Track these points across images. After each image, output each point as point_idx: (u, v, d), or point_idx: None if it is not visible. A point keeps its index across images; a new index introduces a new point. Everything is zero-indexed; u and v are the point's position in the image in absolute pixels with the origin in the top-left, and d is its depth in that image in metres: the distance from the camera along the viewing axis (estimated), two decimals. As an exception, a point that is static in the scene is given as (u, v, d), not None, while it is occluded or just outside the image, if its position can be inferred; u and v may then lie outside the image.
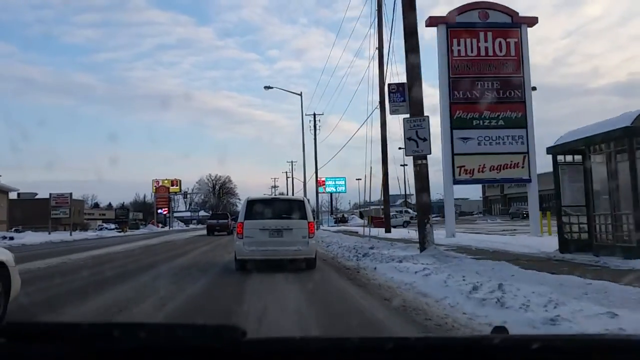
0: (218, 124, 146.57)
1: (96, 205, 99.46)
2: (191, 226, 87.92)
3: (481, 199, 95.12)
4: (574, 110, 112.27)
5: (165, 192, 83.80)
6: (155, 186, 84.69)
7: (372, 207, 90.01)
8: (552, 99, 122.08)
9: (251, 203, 11.34)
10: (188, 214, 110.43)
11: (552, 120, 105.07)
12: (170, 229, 71.48)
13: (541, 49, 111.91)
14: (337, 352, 1.07)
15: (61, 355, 1.05)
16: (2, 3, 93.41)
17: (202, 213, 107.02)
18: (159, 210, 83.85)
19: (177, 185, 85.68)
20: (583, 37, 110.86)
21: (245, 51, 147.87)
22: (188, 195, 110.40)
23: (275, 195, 77.86)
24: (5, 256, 5.86)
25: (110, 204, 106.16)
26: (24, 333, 1.11)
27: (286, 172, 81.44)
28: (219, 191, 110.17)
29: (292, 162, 78.32)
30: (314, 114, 45.27)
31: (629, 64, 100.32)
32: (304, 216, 11.03)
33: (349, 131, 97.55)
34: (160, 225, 76.62)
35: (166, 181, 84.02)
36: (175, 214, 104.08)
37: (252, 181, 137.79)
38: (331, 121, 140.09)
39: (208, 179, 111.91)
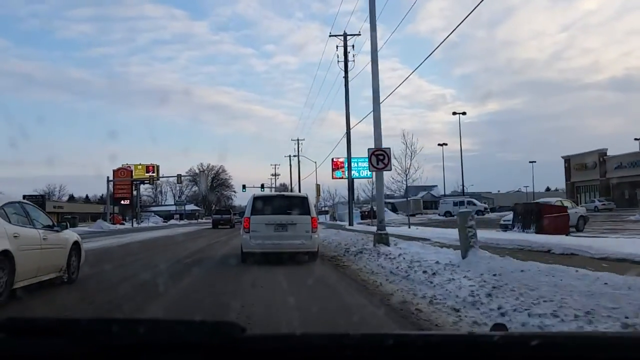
0: (216, 120, 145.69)
1: (71, 199, 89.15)
2: (172, 222, 68.14)
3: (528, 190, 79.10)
4: (572, 105, 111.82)
5: (127, 177, 62.29)
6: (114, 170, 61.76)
7: (411, 199, 76.24)
8: (550, 94, 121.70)
9: (257, 199, 11.89)
10: (174, 207, 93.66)
11: (549, 115, 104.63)
12: (138, 225, 54.67)
13: (537, 43, 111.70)
14: (337, 348, 1.07)
15: (60, 350, 1.05)
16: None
17: (191, 207, 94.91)
18: (122, 202, 64.10)
19: (153, 172, 64.24)
20: (580, 32, 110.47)
21: (242, 46, 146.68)
22: (177, 186, 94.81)
23: (277, 187, 75.22)
24: (77, 237, 9.27)
25: (86, 196, 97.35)
26: (23, 328, 1.11)
27: (290, 156, 68.13)
28: (212, 182, 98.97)
29: (298, 140, 63.67)
30: (344, 35, 26.12)
31: (625, 59, 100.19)
32: (307, 212, 11.46)
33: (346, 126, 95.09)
34: (122, 220, 59.17)
35: (140, 166, 64.05)
36: (158, 208, 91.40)
37: (250, 175, 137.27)
38: (331, 117, 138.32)
39: (200, 169, 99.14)
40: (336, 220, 44.82)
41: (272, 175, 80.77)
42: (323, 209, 63.36)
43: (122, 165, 62.74)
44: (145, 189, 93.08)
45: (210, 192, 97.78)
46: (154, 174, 64.96)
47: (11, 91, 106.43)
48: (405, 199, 68.35)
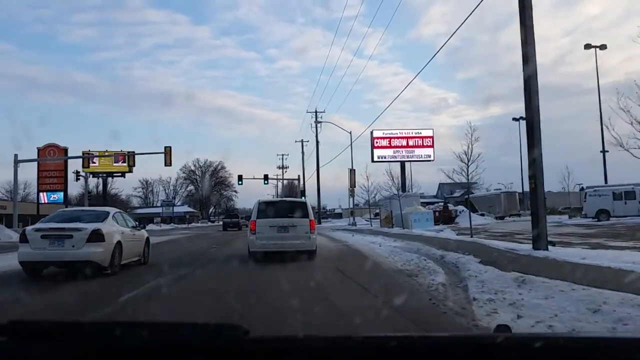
0: (220, 123, 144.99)
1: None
2: (151, 226, 42.31)
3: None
4: (577, 109, 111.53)
5: (60, 156, 41.85)
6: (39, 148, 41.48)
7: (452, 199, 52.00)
8: (554, 98, 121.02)
9: (262, 204, 13.15)
10: (160, 210, 73.02)
11: (554, 118, 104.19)
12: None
13: (541, 48, 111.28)
14: (340, 350, 1.07)
15: (63, 354, 1.04)
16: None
17: (183, 208, 79.71)
18: (51, 195, 42.16)
19: (124, 161, 45.22)
20: (583, 36, 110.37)
21: (245, 50, 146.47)
22: (170, 185, 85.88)
23: (284, 183, 72.10)
24: (147, 234, 12.68)
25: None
26: (25, 331, 1.10)
27: (302, 141, 57.52)
28: (210, 180, 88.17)
29: (316, 111, 49.52)
30: None
31: (627, 64, 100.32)
32: (306, 215, 12.61)
33: (352, 129, 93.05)
34: None
35: (107, 153, 46.00)
36: (145, 210, 78.02)
37: (253, 174, 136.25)
38: (335, 120, 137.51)
39: (195, 165, 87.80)
40: (394, 226, 27.04)
41: (279, 167, 69.92)
42: (336, 208, 47.21)
43: (89, 152, 45.27)
44: (134, 189, 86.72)
45: (209, 188, 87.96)
46: (123, 165, 46.39)
47: (15, 93, 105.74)
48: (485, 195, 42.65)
